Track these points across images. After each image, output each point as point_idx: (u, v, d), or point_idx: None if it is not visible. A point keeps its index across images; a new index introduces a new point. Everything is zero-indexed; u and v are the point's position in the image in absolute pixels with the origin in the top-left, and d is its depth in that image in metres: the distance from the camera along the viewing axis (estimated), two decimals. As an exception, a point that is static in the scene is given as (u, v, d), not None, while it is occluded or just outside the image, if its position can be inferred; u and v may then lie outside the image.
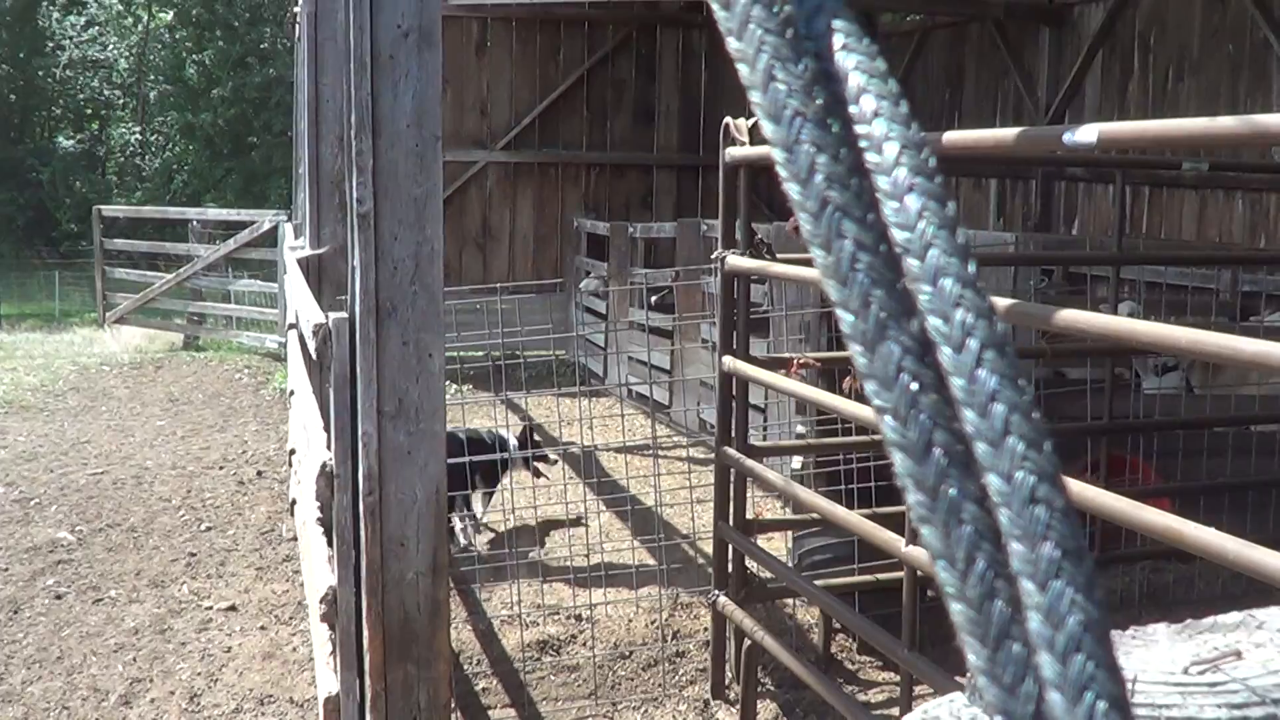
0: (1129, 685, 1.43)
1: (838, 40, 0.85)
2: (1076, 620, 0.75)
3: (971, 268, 0.79)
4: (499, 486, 10.29)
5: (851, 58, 0.84)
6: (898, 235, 0.81)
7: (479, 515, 10.41)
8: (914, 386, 0.78)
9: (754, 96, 0.85)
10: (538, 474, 10.44)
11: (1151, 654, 1.55)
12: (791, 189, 0.83)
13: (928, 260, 0.79)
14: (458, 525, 9.97)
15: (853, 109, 0.83)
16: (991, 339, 0.78)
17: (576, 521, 10.29)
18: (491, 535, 10.42)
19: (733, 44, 0.85)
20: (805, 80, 0.83)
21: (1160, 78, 15.69)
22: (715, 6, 0.87)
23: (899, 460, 0.79)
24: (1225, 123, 3.47)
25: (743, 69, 0.85)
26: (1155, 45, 15.80)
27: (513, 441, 10.43)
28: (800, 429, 10.08)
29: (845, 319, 0.81)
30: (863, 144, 0.83)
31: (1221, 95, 14.71)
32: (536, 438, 10.76)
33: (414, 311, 5.71)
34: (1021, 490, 0.76)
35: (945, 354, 0.79)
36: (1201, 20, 15.07)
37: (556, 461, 10.68)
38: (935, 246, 0.79)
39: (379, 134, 5.60)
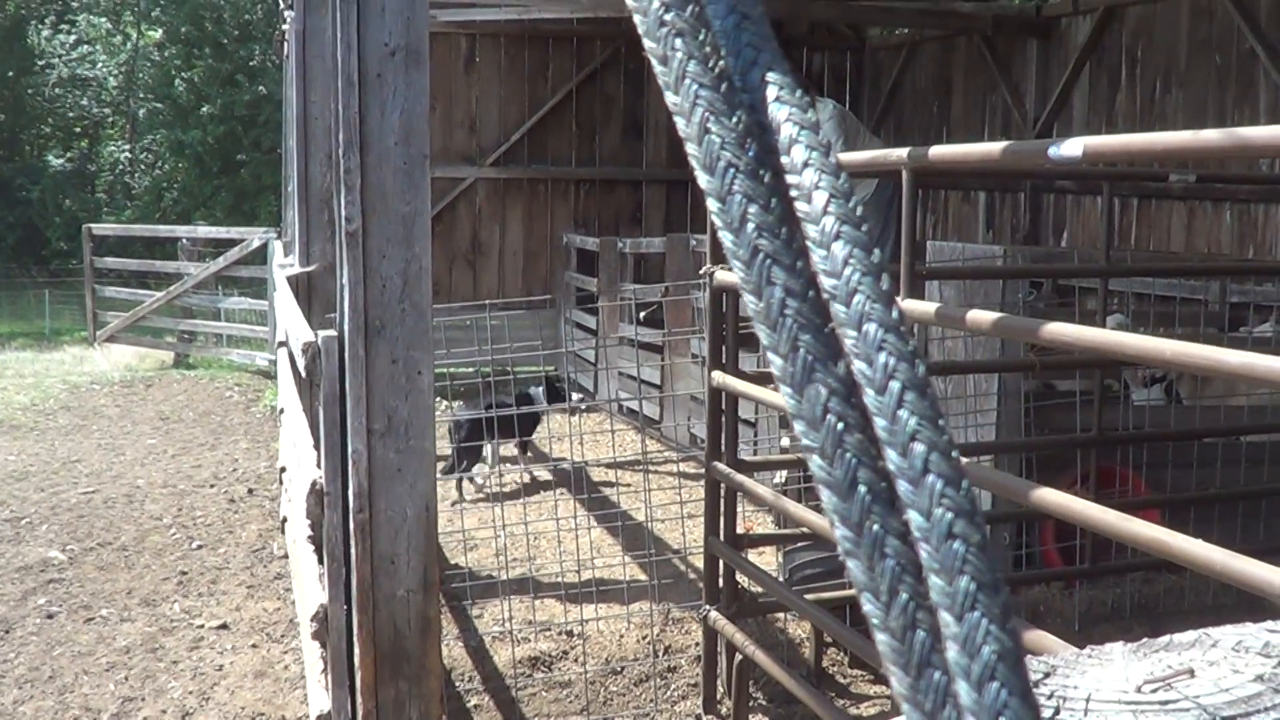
0: (1083, 704, 1.45)
1: (771, 92, 0.87)
2: (991, 650, 0.78)
3: (895, 313, 0.82)
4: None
5: (784, 109, 0.86)
6: (825, 282, 0.83)
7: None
8: (839, 426, 0.81)
9: (690, 148, 0.88)
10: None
11: (1106, 673, 1.56)
12: (725, 237, 0.85)
13: (853, 306, 0.82)
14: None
15: (784, 159, 0.86)
16: (913, 381, 0.81)
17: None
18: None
19: (670, 97, 0.88)
20: (738, 133, 0.85)
21: (1148, 89, 15.73)
22: (654, 61, 0.89)
23: (825, 496, 0.82)
24: (1210, 136, 3.49)
25: (679, 121, 0.88)
26: (1142, 57, 15.83)
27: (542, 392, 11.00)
28: (786, 442, 10.09)
29: (775, 361, 0.84)
30: (793, 193, 0.85)
31: (1209, 107, 14.75)
32: (559, 385, 11.16)
33: (403, 329, 5.72)
34: (940, 526, 0.79)
35: (869, 396, 0.82)
36: (1188, 32, 15.10)
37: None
38: (860, 292, 0.82)
39: (367, 152, 5.61)
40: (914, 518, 0.80)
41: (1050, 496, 4.31)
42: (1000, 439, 8.52)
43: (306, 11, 10.00)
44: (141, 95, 44.16)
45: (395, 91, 5.61)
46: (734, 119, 0.86)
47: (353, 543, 5.83)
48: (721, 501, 6.99)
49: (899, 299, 4.73)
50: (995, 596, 0.79)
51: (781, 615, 8.16)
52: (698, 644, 7.74)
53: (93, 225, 25.45)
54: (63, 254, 38.95)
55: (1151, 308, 10.86)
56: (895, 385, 0.81)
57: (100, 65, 44.56)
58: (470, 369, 12.06)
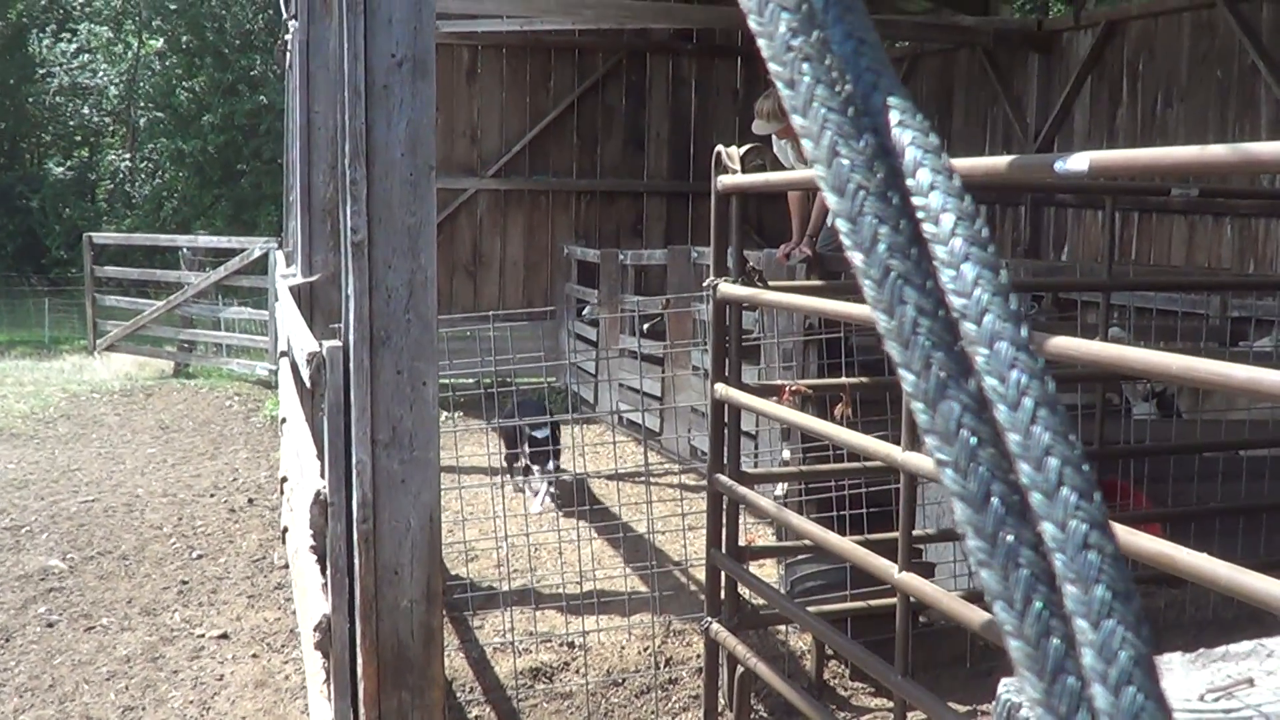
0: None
1: (894, 116, 0.88)
2: (1127, 655, 0.80)
3: (1024, 331, 0.84)
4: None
5: (907, 133, 0.87)
6: (955, 301, 0.85)
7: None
8: (973, 441, 0.83)
9: (818, 171, 0.89)
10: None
11: (1168, 682, 1.57)
12: (855, 257, 0.86)
13: (984, 324, 0.84)
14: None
15: (910, 182, 0.87)
16: (1045, 398, 0.83)
17: None
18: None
19: (798, 120, 0.88)
20: (867, 156, 0.86)
21: (1149, 104, 15.75)
22: (780, 85, 0.90)
23: (959, 509, 0.83)
24: (1216, 151, 3.49)
25: (807, 144, 0.89)
26: (1144, 71, 15.86)
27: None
28: (786, 454, 10.09)
29: (907, 378, 0.85)
30: (920, 215, 0.86)
31: (1210, 121, 14.76)
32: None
33: (408, 340, 5.73)
34: (1075, 537, 0.81)
35: (1001, 411, 0.83)
36: (1190, 46, 15.13)
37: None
38: (991, 312, 0.84)
39: (373, 163, 5.62)
40: (1048, 529, 0.82)
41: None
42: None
43: (310, 21, 10.02)
44: (142, 104, 44.22)
45: (402, 102, 5.62)
46: (861, 142, 0.87)
47: (356, 553, 5.83)
48: (724, 514, 6.99)
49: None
50: (1129, 604, 0.82)
51: (783, 628, 8.16)
52: (699, 656, 7.73)
53: (93, 234, 25.48)
54: (63, 262, 39.01)
55: (1152, 322, 10.87)
56: (1028, 401, 0.83)
57: (101, 74, 44.60)
58: (472, 380, 12.05)
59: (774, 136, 12.01)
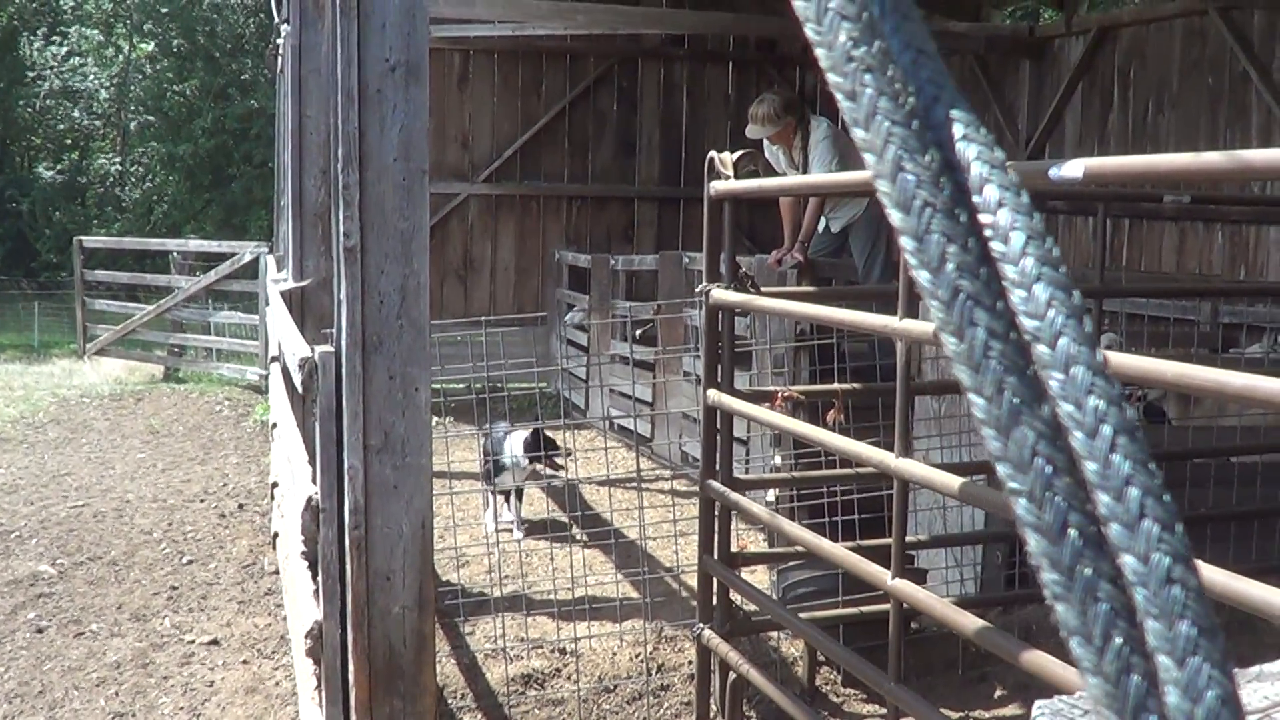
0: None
1: (957, 130, 0.86)
2: (1214, 695, 0.78)
3: (1099, 356, 0.82)
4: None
5: (972, 148, 0.86)
6: (1026, 323, 0.83)
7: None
8: (1048, 470, 0.81)
9: (882, 186, 0.87)
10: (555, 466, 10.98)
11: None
12: (922, 277, 0.84)
13: (1058, 348, 0.82)
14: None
15: (976, 199, 0.85)
16: (1124, 426, 0.81)
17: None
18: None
19: (859, 134, 0.87)
20: (933, 171, 0.84)
21: (1140, 110, 15.77)
22: (840, 97, 0.88)
23: (1034, 541, 0.81)
24: (1211, 158, 3.49)
25: (869, 158, 0.87)
26: (1135, 78, 15.88)
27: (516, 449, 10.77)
28: (777, 460, 10.08)
29: (978, 404, 0.83)
30: (988, 233, 0.84)
31: (1201, 128, 14.79)
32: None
33: (400, 345, 5.72)
34: (1158, 571, 0.79)
35: (1078, 439, 0.81)
36: (1181, 53, 15.15)
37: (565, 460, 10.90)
38: (1065, 335, 0.82)
39: (366, 168, 5.61)
40: (1129, 562, 0.80)
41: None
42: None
43: (302, 26, 10.01)
44: (133, 108, 44.20)
45: (395, 108, 5.62)
46: (927, 157, 0.85)
47: (348, 559, 5.81)
48: (715, 520, 6.98)
49: (899, 318, 4.74)
50: (1215, 642, 0.79)
51: (775, 634, 8.15)
52: (691, 662, 7.72)
53: (83, 238, 25.43)
54: (53, 266, 39.00)
55: (1144, 328, 10.88)
56: (1107, 429, 0.81)
57: (92, 77, 44.57)
58: (463, 385, 12.04)
59: (765, 141, 12.01)
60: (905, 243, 0.85)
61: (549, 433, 10.96)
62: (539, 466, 10.87)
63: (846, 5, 0.86)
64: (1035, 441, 0.82)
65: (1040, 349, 0.83)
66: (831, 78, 0.88)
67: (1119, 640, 0.79)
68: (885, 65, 0.86)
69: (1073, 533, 0.81)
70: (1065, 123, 16.97)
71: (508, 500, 11.33)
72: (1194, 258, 14.92)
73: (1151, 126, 15.59)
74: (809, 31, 0.88)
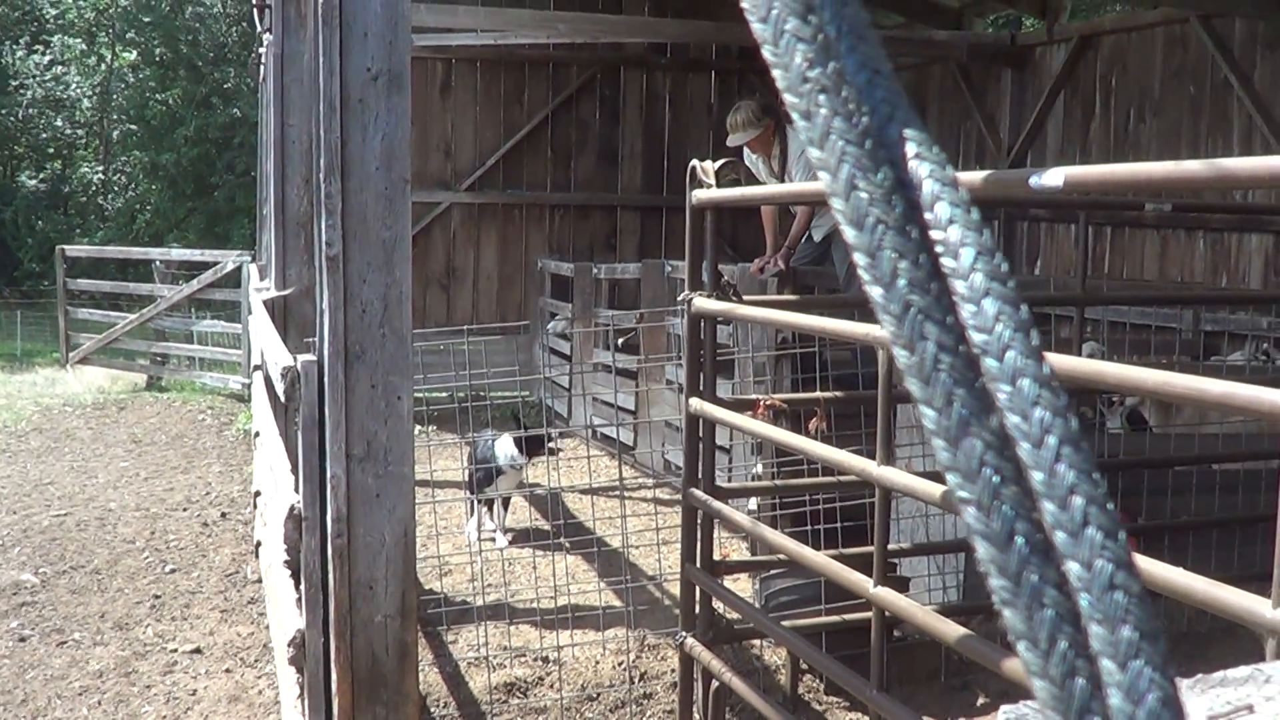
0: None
1: (910, 149, 0.88)
2: (1155, 697, 0.80)
3: (1046, 368, 0.83)
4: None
5: (924, 166, 0.87)
6: (975, 337, 0.84)
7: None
8: (995, 479, 0.83)
9: (836, 204, 0.88)
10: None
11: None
12: (874, 292, 0.86)
13: (1006, 361, 0.84)
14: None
15: (928, 215, 0.86)
16: (1068, 436, 0.83)
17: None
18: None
19: (814, 153, 0.88)
20: (885, 189, 0.86)
21: (1121, 118, 15.81)
22: (796, 117, 0.89)
23: (982, 548, 0.83)
24: (1191, 166, 3.50)
25: (824, 176, 0.89)
26: (1116, 86, 15.92)
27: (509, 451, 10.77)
28: (758, 469, 10.09)
29: (928, 415, 0.84)
30: (939, 249, 0.86)
31: (1183, 136, 14.83)
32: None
33: (383, 354, 5.72)
34: (1101, 577, 0.81)
35: (1024, 449, 0.83)
36: (1162, 61, 15.19)
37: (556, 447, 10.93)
38: (1013, 349, 0.83)
39: (348, 177, 5.62)
40: (1073, 568, 0.82)
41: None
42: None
43: (285, 35, 10.01)
44: (116, 117, 44.11)
45: (377, 117, 5.62)
46: (879, 175, 0.86)
47: (330, 568, 5.81)
48: (698, 528, 6.99)
49: (880, 326, 4.75)
50: (1156, 645, 0.81)
51: (758, 642, 8.16)
52: (674, 670, 7.73)
53: (66, 246, 25.40)
54: (35, 275, 38.90)
55: (1126, 336, 10.90)
56: (1052, 439, 0.83)
57: (74, 86, 44.46)
58: (446, 394, 12.04)
59: (745, 150, 12.03)
60: (858, 258, 0.87)
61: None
62: (530, 460, 10.93)
63: (802, 28, 0.87)
64: (983, 452, 0.83)
65: (988, 362, 0.84)
66: (788, 98, 0.89)
67: (1064, 644, 0.81)
68: (840, 86, 0.87)
69: (1019, 540, 0.82)
70: (1047, 131, 17.01)
71: (491, 509, 11.33)
72: (1176, 265, 14.96)
73: (1133, 134, 15.63)
74: (766, 53, 0.90)
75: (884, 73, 0.89)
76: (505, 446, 10.82)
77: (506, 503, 11.36)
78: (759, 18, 0.89)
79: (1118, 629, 0.81)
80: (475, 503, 11.18)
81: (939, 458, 0.85)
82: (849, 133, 0.87)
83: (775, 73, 0.89)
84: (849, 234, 0.87)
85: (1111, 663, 0.81)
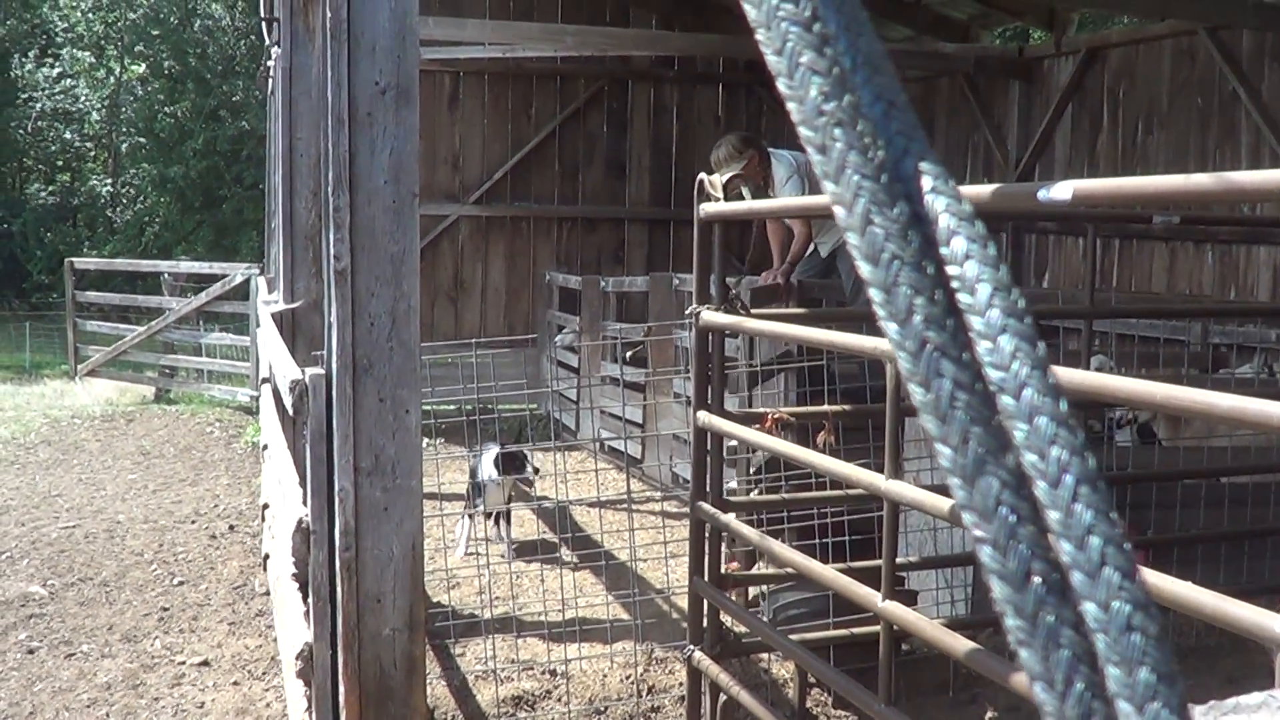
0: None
1: (926, 182, 0.87)
2: None
3: (1063, 405, 0.82)
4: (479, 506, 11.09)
5: (940, 200, 0.86)
6: (992, 374, 0.83)
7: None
8: (1012, 519, 0.82)
9: (851, 239, 0.87)
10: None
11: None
12: (889, 328, 0.85)
13: (1023, 399, 0.83)
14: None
15: (944, 250, 0.86)
16: (1086, 475, 0.82)
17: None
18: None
19: (829, 187, 0.87)
20: (901, 224, 0.85)
21: (1130, 131, 15.80)
22: (811, 150, 0.88)
23: (998, 588, 0.82)
24: (1200, 179, 3.51)
25: (839, 211, 0.88)
26: (1124, 98, 15.91)
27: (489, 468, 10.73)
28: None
29: (944, 453, 0.84)
30: (955, 285, 0.85)
31: (1191, 148, 14.82)
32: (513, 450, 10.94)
33: (391, 368, 5.73)
34: (1118, 618, 0.80)
35: (1041, 488, 0.82)
36: (1170, 73, 15.18)
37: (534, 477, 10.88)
38: (1030, 386, 0.82)
39: (356, 190, 5.62)
40: (1090, 609, 0.81)
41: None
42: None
43: (293, 48, 10.02)
44: (124, 129, 44.15)
45: (385, 130, 5.63)
46: (895, 210, 0.85)
47: (338, 581, 5.81)
48: (706, 541, 6.98)
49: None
50: (1174, 688, 0.80)
51: (765, 656, 8.15)
52: (681, 684, 7.71)
53: (74, 259, 25.42)
54: (44, 287, 38.94)
55: (1134, 349, 10.89)
56: (1069, 479, 0.82)
57: (83, 99, 44.54)
58: (453, 407, 12.04)
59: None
60: (874, 294, 0.86)
61: (538, 451, 10.95)
62: (514, 479, 10.89)
63: (818, 60, 0.87)
64: (1000, 491, 0.82)
65: (1005, 400, 0.83)
66: (803, 132, 0.88)
67: (1080, 685, 0.80)
68: (855, 119, 0.86)
69: (1036, 580, 0.81)
70: (1055, 143, 17.00)
71: (499, 522, 11.32)
72: (1184, 278, 14.94)
73: (1141, 147, 15.62)
74: (781, 86, 0.89)
75: (899, 105, 0.88)
76: (487, 462, 10.82)
77: (507, 515, 11.33)
78: (774, 50, 0.89)
79: (1135, 671, 0.80)
80: (468, 515, 11.18)
81: (955, 496, 0.84)
82: (865, 166, 0.86)
83: (790, 106, 0.88)
84: (864, 269, 0.86)
85: (1129, 705, 0.80)
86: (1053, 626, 0.81)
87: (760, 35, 0.89)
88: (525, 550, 11.26)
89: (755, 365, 10.32)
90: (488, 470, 10.81)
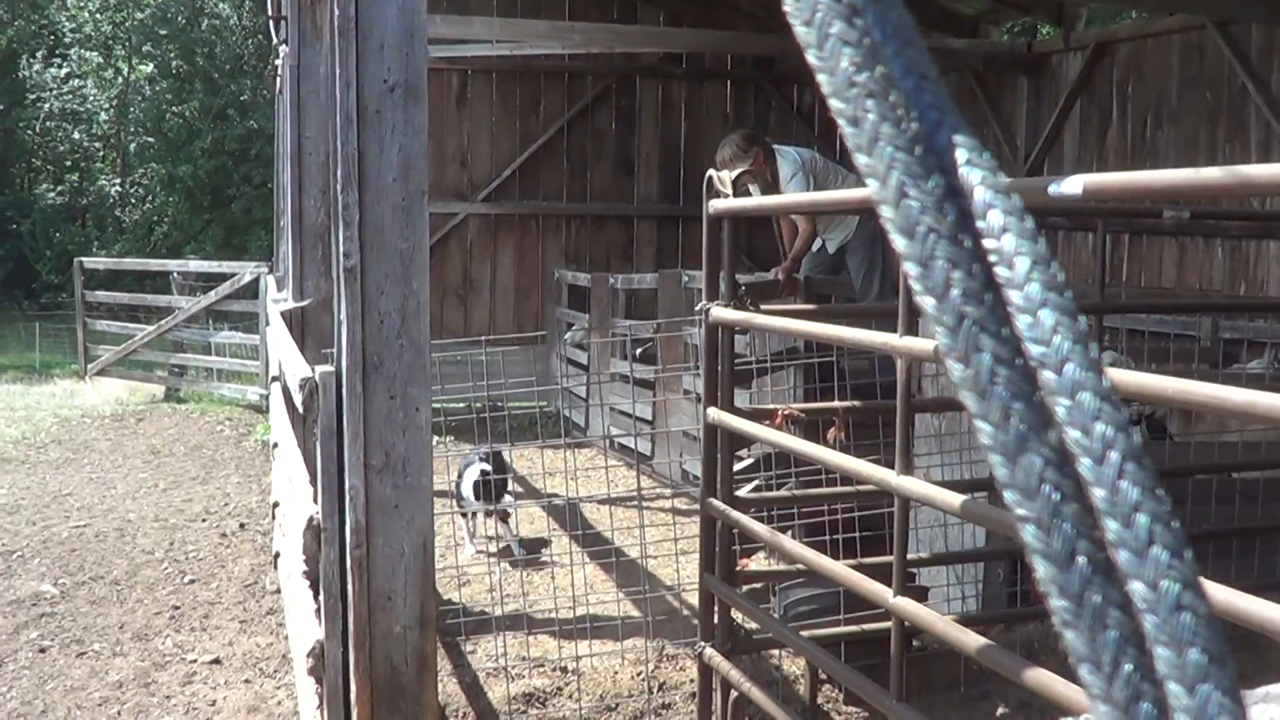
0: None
1: (960, 155, 0.85)
2: None
3: (1106, 382, 0.81)
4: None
5: (975, 173, 0.85)
6: (1032, 349, 0.82)
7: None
8: (1056, 496, 0.80)
9: (885, 212, 0.86)
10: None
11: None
12: (927, 303, 0.83)
13: (1065, 374, 0.81)
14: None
15: (980, 224, 0.84)
16: (1131, 451, 0.80)
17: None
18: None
19: (862, 160, 0.86)
20: (936, 197, 0.84)
21: (1139, 126, 15.78)
22: (843, 123, 0.87)
23: (1042, 567, 0.80)
24: (1211, 174, 3.49)
25: (872, 184, 0.86)
26: (1133, 93, 15.90)
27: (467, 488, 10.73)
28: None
29: (985, 430, 0.82)
30: (992, 258, 0.84)
31: (1200, 142, 14.80)
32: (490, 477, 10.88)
33: (401, 365, 5.73)
34: (1168, 598, 0.79)
35: (1085, 465, 0.80)
36: (1179, 68, 15.17)
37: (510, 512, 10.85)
38: (1072, 360, 0.81)
39: (365, 188, 5.62)
40: (1137, 588, 0.80)
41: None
42: (994, 475, 8.51)
43: (301, 47, 10.02)
44: (133, 129, 44.17)
45: (394, 128, 5.63)
46: (930, 183, 0.84)
47: (349, 579, 5.82)
48: (716, 538, 6.98)
49: (899, 336, 4.74)
50: (1225, 669, 0.79)
51: (776, 652, 8.14)
52: (692, 681, 7.72)
53: (84, 259, 25.40)
54: (53, 287, 38.94)
55: (1144, 344, 10.87)
56: (1115, 455, 0.81)
57: (92, 99, 44.56)
58: (463, 405, 12.04)
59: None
60: (909, 268, 0.84)
61: (547, 450, 10.93)
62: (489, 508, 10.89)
63: (848, 31, 0.86)
64: (1043, 468, 0.81)
65: (1047, 375, 0.82)
66: (833, 103, 0.87)
67: (1129, 667, 0.79)
68: (887, 90, 0.85)
69: (1081, 559, 0.80)
70: (1064, 139, 16.99)
71: (501, 521, 11.31)
72: (1194, 273, 14.92)
73: (1150, 142, 15.60)
74: (811, 57, 0.87)
75: (930, 77, 0.87)
76: (470, 479, 10.80)
77: (505, 515, 11.32)
78: (803, 21, 0.87)
79: (1185, 652, 0.78)
80: (460, 515, 11.17)
81: (996, 474, 0.83)
82: (898, 138, 0.84)
83: (820, 77, 0.87)
84: (899, 243, 0.85)
85: (1179, 686, 0.78)
86: (1099, 607, 0.80)
87: (789, 6, 0.88)
88: (535, 547, 11.26)
89: (765, 360, 10.32)
90: (467, 490, 10.81)
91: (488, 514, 11.24)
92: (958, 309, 0.83)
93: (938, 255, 0.83)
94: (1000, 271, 0.84)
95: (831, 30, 0.86)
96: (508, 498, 10.86)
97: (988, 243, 0.84)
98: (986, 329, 0.82)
